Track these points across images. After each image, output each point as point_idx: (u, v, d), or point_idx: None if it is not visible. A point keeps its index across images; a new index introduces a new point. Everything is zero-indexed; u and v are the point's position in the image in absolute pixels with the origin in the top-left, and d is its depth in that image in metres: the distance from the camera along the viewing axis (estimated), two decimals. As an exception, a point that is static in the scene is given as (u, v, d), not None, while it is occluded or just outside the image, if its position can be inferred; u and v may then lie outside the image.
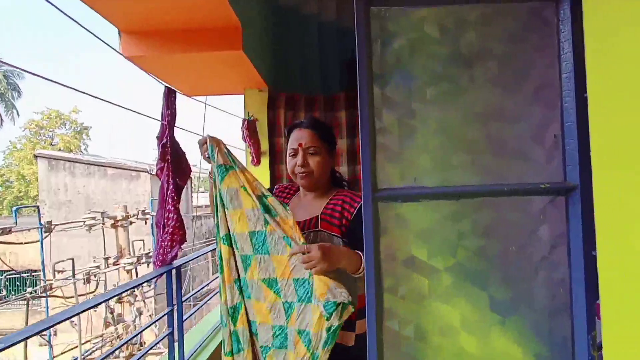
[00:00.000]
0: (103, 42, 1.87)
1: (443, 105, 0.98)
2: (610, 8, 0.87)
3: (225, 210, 1.29)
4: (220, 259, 1.31)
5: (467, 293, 0.97)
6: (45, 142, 20.71)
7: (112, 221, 6.12)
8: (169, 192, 1.43)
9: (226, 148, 1.31)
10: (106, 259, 6.03)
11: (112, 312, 5.36)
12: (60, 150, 18.70)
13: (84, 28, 1.91)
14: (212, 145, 1.28)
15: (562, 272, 0.94)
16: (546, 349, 0.95)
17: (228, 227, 1.30)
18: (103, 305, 5.35)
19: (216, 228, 1.33)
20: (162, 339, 1.55)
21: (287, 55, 3.04)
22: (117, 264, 5.87)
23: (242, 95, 2.96)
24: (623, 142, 0.84)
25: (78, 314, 1.27)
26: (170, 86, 1.57)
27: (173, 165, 1.45)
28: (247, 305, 1.29)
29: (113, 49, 2.00)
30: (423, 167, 0.98)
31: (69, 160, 11.51)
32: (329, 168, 1.34)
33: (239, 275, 1.30)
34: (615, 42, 0.87)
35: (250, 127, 2.63)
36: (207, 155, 1.30)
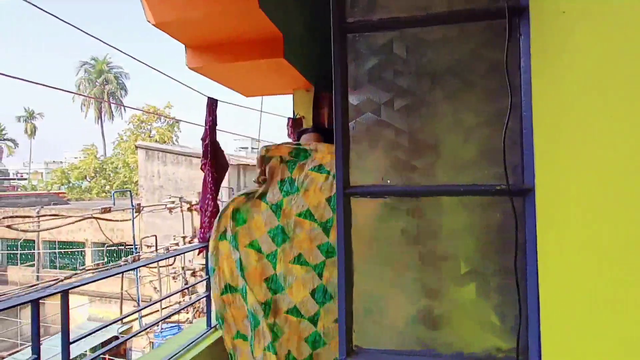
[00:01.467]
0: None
1: (414, 115, 1.12)
2: (555, 26, 0.95)
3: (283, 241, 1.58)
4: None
5: (431, 271, 1.12)
6: (145, 134, 23.60)
7: (188, 205, 7.06)
8: (209, 183, 1.76)
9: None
10: (183, 237, 6.98)
11: (186, 283, 6.27)
12: (156, 141, 21.21)
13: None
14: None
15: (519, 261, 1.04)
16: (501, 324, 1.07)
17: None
18: (180, 277, 6.32)
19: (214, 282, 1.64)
20: (199, 299, 1.91)
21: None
22: (192, 242, 6.77)
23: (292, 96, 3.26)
24: (562, 148, 0.93)
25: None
26: (212, 97, 1.89)
27: (213, 161, 1.78)
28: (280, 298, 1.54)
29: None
30: (391, 169, 1.14)
31: (161, 151, 13.07)
32: None
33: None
34: (556, 59, 0.95)
35: (294, 125, 2.90)
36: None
